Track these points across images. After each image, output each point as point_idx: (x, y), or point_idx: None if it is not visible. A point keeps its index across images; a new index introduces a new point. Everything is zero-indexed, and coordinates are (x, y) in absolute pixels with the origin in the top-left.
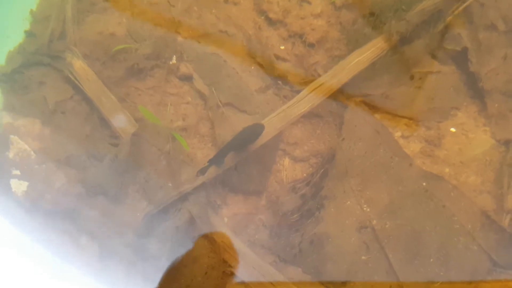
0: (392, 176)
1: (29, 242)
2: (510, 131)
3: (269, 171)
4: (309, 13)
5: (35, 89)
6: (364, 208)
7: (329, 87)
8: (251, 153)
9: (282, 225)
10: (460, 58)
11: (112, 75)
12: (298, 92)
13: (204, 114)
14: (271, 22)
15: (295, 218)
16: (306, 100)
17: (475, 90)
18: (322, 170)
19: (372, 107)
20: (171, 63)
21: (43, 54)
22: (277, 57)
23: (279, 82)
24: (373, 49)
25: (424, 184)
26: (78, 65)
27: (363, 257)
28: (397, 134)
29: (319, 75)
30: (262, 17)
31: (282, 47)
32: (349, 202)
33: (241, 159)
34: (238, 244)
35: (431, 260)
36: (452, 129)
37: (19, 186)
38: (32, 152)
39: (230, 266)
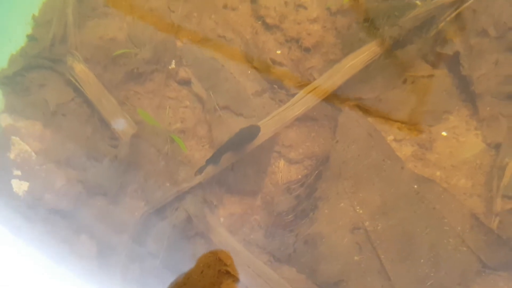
0: (384, 179)
1: (29, 241)
2: (500, 134)
3: (264, 172)
4: (305, 18)
5: (36, 92)
6: (357, 210)
7: (323, 90)
8: (247, 155)
9: (277, 225)
10: (452, 63)
11: (112, 78)
12: (293, 95)
13: (202, 117)
14: (268, 27)
15: (290, 219)
16: (301, 103)
17: (467, 94)
18: (316, 172)
19: (366, 111)
20: (170, 67)
21: (44, 57)
22: (274, 62)
23: (275, 86)
24: (367, 52)
25: (415, 186)
26: (79, 68)
27: (355, 257)
28: (390, 137)
29: (315, 79)
30: (259, 22)
31: (279, 52)
32: (342, 204)
33: (237, 161)
34: (234, 243)
35: (422, 260)
36: (444, 133)
37: (20, 186)
38: (33, 153)
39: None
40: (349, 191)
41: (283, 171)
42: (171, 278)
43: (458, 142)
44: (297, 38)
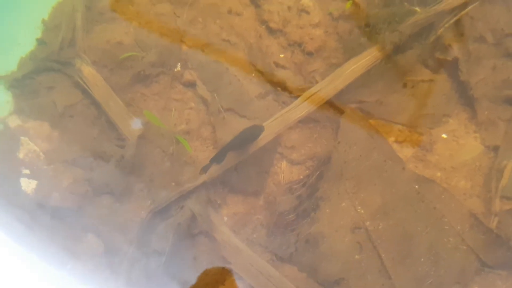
0: (386, 179)
1: (37, 238)
2: (498, 137)
3: (267, 173)
4: (308, 23)
5: (44, 94)
6: (358, 210)
7: (326, 93)
8: (250, 155)
9: (279, 224)
10: (451, 68)
11: (119, 81)
12: (296, 98)
13: (206, 119)
14: (271, 31)
15: (292, 218)
16: (303, 105)
17: (466, 98)
18: (318, 172)
19: (367, 113)
20: (175, 70)
21: (53, 60)
22: (277, 65)
23: (278, 88)
24: (368, 57)
25: (416, 186)
26: (87, 71)
27: (356, 257)
28: (391, 139)
29: (317, 82)
30: (263, 27)
31: (282, 55)
32: (343, 204)
33: (241, 161)
34: (237, 242)
35: (422, 259)
36: (444, 135)
37: (28, 184)
38: (41, 153)
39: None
40: (351, 191)
41: (285, 171)
42: (176, 275)
43: (457, 145)
44: (300, 42)
